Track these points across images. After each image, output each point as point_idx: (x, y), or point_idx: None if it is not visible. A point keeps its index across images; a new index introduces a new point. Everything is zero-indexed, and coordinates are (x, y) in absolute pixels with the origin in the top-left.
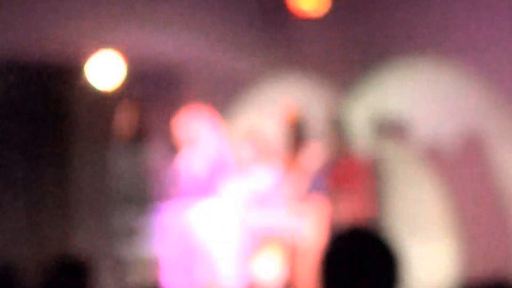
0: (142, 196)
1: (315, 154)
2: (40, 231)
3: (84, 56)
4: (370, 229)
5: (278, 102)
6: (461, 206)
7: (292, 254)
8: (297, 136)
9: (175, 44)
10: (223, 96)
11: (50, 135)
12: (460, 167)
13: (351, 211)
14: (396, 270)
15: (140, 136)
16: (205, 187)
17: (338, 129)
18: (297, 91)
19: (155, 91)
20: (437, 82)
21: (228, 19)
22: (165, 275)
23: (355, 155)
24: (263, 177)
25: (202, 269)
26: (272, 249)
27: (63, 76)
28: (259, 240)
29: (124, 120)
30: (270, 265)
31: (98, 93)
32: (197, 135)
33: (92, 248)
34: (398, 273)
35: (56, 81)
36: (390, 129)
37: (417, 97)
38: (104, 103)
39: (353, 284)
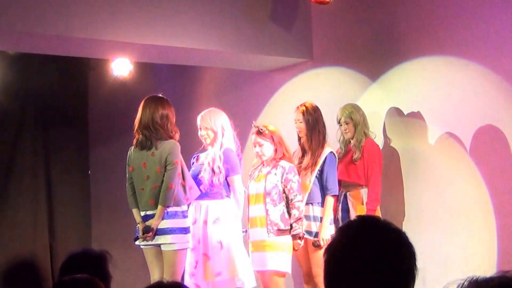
0: (162, 192)
1: (330, 148)
2: (62, 225)
3: (103, 51)
4: (379, 218)
5: (294, 93)
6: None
7: (306, 247)
8: (313, 127)
9: (190, 39)
10: (239, 90)
11: (71, 134)
12: (478, 159)
13: (367, 201)
14: (405, 258)
15: (158, 133)
16: (220, 183)
17: (356, 120)
18: (313, 81)
19: (173, 87)
20: (455, 76)
21: (240, 11)
22: (185, 271)
23: (374, 145)
24: (278, 173)
25: (217, 265)
26: (285, 243)
27: (86, 70)
28: (272, 234)
29: (143, 115)
30: (284, 259)
31: (117, 90)
32: (214, 131)
33: (111, 241)
34: (407, 261)
35: (80, 76)
36: (409, 120)
37: (435, 88)
38: (123, 99)
39: (359, 271)
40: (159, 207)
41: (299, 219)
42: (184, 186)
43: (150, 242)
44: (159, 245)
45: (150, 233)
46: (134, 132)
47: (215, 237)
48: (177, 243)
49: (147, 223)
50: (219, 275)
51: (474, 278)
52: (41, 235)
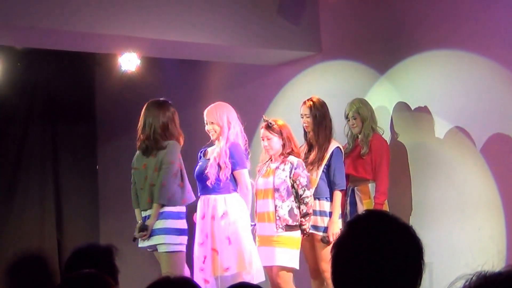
0: (155, 190)
1: (337, 143)
2: (69, 220)
3: (110, 45)
4: (387, 213)
5: (302, 87)
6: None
7: (313, 242)
8: (320, 122)
9: (198, 34)
10: (247, 84)
11: (78, 129)
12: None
13: (375, 195)
14: (413, 253)
15: (158, 143)
16: (227, 178)
17: (363, 115)
18: (321, 74)
19: (181, 82)
20: (464, 70)
21: (248, 5)
22: (194, 266)
23: (381, 140)
24: (286, 168)
25: (225, 260)
26: (293, 239)
27: (93, 65)
28: (281, 230)
29: (145, 125)
30: (292, 255)
31: (124, 85)
32: (220, 126)
33: (120, 236)
34: (414, 256)
35: (87, 71)
36: (417, 115)
37: (443, 83)
38: (130, 94)
39: (367, 265)
40: (154, 205)
41: (306, 214)
42: (181, 188)
43: (146, 244)
44: (156, 247)
45: (145, 232)
46: (137, 137)
47: (223, 232)
48: (170, 244)
49: (146, 222)
50: (227, 270)
51: (483, 273)
52: (49, 230)
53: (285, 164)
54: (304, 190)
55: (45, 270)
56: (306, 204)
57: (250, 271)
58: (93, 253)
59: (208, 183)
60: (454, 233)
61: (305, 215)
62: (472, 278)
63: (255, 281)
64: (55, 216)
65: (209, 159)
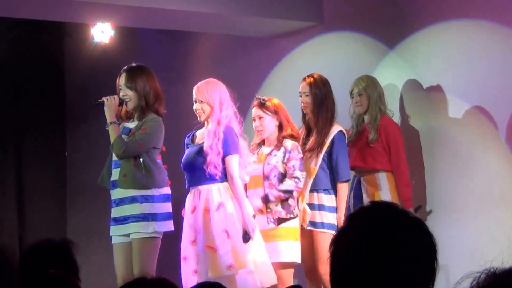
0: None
1: (339, 127)
2: (33, 214)
3: (80, 14)
4: (395, 205)
5: (300, 62)
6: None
7: (311, 240)
8: (320, 103)
9: (181, 0)
10: (238, 59)
11: (45, 109)
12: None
13: (399, 190)
14: (424, 251)
15: (145, 105)
16: (218, 165)
17: (370, 93)
18: (323, 48)
19: (161, 56)
20: (484, 43)
21: None
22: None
23: (392, 123)
24: (278, 153)
25: (225, 255)
26: (288, 228)
27: (62, 36)
28: (271, 223)
29: (135, 93)
30: (290, 247)
31: (97, 59)
32: (211, 106)
33: (89, 232)
34: (426, 254)
35: (55, 44)
36: (430, 94)
37: (455, 61)
38: (104, 69)
39: (371, 264)
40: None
41: (289, 191)
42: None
43: (117, 232)
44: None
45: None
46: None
47: (219, 225)
48: (143, 232)
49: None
50: (231, 268)
51: (492, 270)
52: (9, 225)
53: (278, 150)
54: (295, 170)
55: (4, 268)
56: (295, 178)
57: (253, 270)
58: (48, 250)
59: (207, 170)
60: (474, 231)
61: (287, 191)
62: (480, 276)
63: (264, 285)
64: (17, 209)
65: (198, 144)
